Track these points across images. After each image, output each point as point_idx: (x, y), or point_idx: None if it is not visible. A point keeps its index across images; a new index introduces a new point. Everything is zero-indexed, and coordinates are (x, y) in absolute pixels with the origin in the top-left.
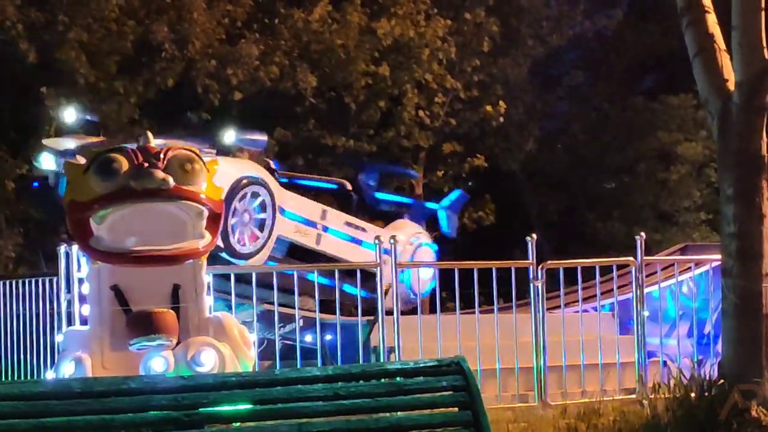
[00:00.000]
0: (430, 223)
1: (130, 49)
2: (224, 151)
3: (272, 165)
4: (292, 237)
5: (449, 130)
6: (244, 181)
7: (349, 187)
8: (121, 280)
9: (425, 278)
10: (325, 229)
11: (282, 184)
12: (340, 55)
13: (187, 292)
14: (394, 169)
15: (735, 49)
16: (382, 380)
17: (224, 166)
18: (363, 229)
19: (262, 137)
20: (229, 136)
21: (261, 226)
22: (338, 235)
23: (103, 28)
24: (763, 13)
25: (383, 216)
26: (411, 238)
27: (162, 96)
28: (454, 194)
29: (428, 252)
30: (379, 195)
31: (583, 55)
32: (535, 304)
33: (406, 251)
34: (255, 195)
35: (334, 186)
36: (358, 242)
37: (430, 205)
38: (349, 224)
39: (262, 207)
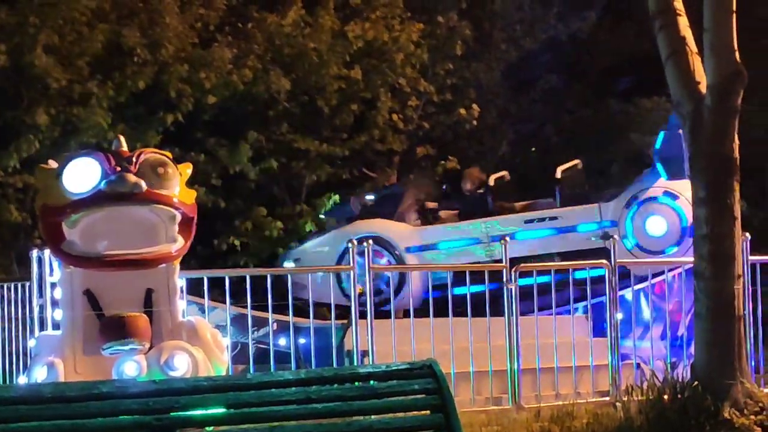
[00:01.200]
0: None
1: (102, 52)
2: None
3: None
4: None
5: (423, 134)
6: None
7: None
8: (93, 284)
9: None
10: (512, 236)
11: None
12: (312, 58)
13: (160, 296)
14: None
15: (707, 52)
16: (355, 384)
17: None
18: (553, 218)
19: (352, 206)
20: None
21: (388, 281)
22: (534, 234)
23: (75, 31)
24: (734, 16)
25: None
26: (629, 198)
27: (133, 100)
28: (660, 137)
29: (656, 207)
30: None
31: (556, 58)
32: (508, 307)
33: (622, 215)
34: (378, 254)
35: None
36: (561, 231)
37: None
38: (529, 221)
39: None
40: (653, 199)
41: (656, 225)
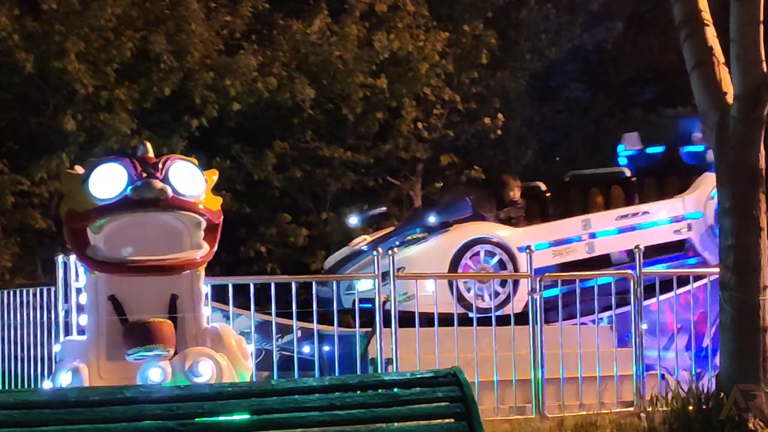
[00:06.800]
0: None
1: (129, 58)
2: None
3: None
4: (551, 262)
5: (447, 142)
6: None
7: (628, 173)
8: (118, 290)
9: None
10: (592, 235)
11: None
12: (338, 67)
13: (184, 302)
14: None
15: (733, 62)
16: (379, 391)
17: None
18: (644, 212)
19: (463, 207)
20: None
21: (503, 282)
22: (610, 233)
23: (101, 38)
24: (761, 26)
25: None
26: (711, 192)
27: (159, 106)
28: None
29: None
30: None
31: (581, 67)
32: (533, 316)
33: (708, 207)
34: (490, 254)
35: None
36: (632, 229)
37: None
38: (622, 216)
39: (501, 264)
40: None
41: None
